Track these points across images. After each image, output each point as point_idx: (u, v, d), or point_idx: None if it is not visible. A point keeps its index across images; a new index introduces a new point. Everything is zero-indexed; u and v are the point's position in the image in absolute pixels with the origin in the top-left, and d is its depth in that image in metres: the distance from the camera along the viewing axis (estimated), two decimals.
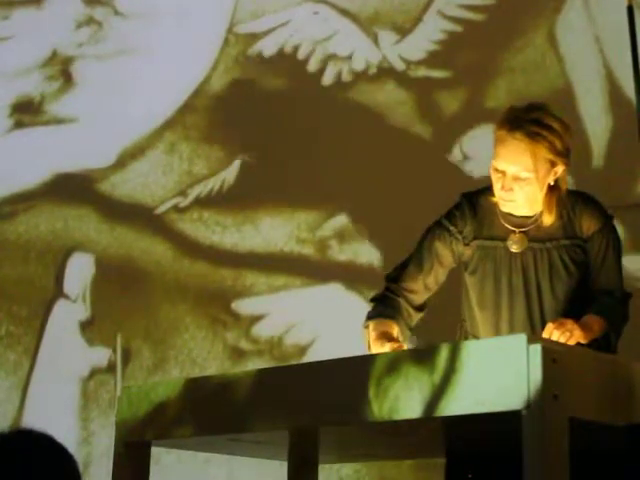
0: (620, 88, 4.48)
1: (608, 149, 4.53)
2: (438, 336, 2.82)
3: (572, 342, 2.51)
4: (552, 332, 2.52)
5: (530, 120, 2.67)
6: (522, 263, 2.73)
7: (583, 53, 4.62)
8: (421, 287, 2.83)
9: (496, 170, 2.70)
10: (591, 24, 4.64)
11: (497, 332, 2.76)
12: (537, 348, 1.87)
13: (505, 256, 2.75)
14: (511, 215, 2.76)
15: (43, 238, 5.02)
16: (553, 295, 2.72)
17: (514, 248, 2.74)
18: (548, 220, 2.73)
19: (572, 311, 2.69)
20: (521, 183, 2.67)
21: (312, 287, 4.77)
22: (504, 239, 2.76)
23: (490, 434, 2.27)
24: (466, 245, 2.80)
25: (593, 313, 2.65)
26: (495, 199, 2.76)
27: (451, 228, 2.82)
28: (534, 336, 1.98)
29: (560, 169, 2.70)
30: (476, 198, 2.82)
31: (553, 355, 1.87)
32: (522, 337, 1.91)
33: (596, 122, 4.57)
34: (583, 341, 2.56)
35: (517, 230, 2.75)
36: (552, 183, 2.71)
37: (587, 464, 2.19)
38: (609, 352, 2.67)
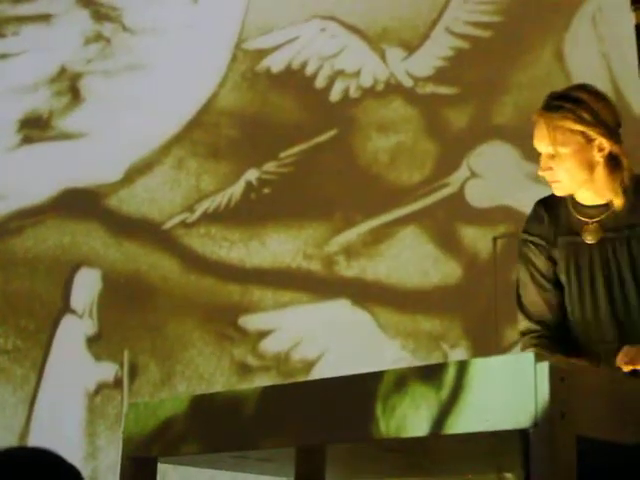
0: (628, 105, 4.48)
1: None
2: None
3: None
4: (628, 352, 2.42)
5: (556, 96, 2.60)
6: (600, 256, 2.60)
7: (590, 69, 4.62)
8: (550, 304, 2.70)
9: (538, 155, 2.61)
10: (598, 41, 4.64)
11: (586, 333, 2.63)
12: (544, 366, 1.86)
13: (585, 250, 2.63)
14: (583, 206, 2.64)
15: (51, 253, 5.03)
16: (637, 287, 2.57)
17: (589, 239, 2.61)
18: (619, 203, 2.58)
19: None
20: (557, 160, 2.56)
21: (319, 303, 4.77)
22: (580, 233, 2.64)
23: (498, 452, 2.27)
24: (554, 247, 2.68)
25: None
26: (567, 195, 2.65)
27: (533, 239, 2.71)
28: (541, 355, 1.97)
29: (604, 143, 2.57)
30: (550, 199, 2.71)
31: (561, 374, 1.87)
32: (530, 356, 1.90)
33: None
34: None
35: (591, 221, 2.63)
36: (601, 160, 2.58)
37: None
38: None
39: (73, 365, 4.93)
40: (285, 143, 4.95)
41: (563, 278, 2.67)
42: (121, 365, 4.81)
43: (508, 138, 4.65)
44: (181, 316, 4.86)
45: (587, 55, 4.64)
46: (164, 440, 2.55)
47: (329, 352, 4.66)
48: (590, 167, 2.58)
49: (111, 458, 4.64)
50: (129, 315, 4.90)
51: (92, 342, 4.92)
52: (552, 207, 2.71)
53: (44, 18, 5.27)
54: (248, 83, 5.08)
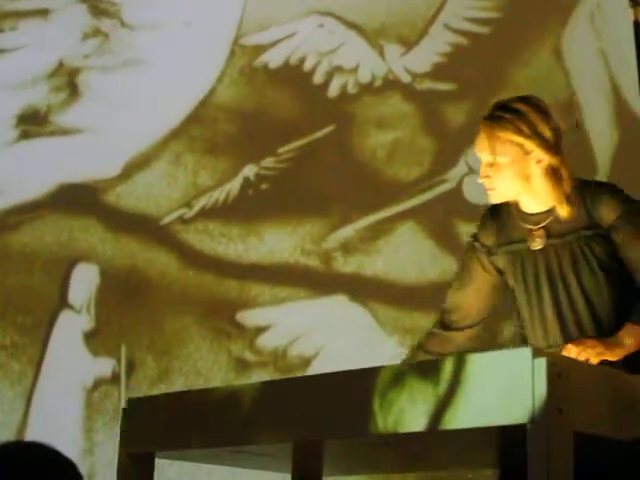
0: (626, 102, 4.49)
1: (613, 163, 4.53)
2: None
3: (595, 360, 2.43)
4: (570, 350, 2.45)
5: (500, 106, 2.70)
6: (545, 262, 2.67)
7: (589, 67, 4.62)
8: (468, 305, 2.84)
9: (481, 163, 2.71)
10: (597, 38, 4.64)
11: (534, 335, 2.70)
12: (542, 362, 1.87)
13: (529, 256, 2.70)
14: (527, 214, 2.71)
15: (48, 248, 5.02)
16: (582, 290, 2.63)
17: (534, 245, 2.68)
18: (563, 213, 2.65)
19: (612, 307, 2.61)
20: (495, 169, 2.65)
21: (317, 299, 4.77)
22: (526, 240, 2.72)
23: (495, 447, 2.27)
24: (494, 254, 2.78)
25: (629, 322, 2.52)
26: (513, 202, 2.72)
27: (475, 244, 2.82)
28: (539, 350, 1.98)
29: (542, 155, 2.64)
30: (499, 207, 2.78)
31: (558, 369, 1.87)
32: (527, 351, 1.91)
33: (601, 136, 4.57)
34: (610, 358, 2.46)
35: (535, 227, 2.70)
36: (539, 171, 2.65)
37: (592, 478, 2.18)
38: None
39: (71, 361, 4.92)
40: (283, 139, 4.94)
41: (513, 285, 2.75)
42: (118, 361, 4.81)
43: None
44: (179, 312, 4.86)
45: (585, 52, 4.64)
46: (162, 435, 2.55)
47: (326, 348, 4.66)
48: (527, 177, 2.66)
49: (109, 454, 4.63)
50: (126, 311, 4.90)
51: (90, 338, 4.92)
52: (499, 215, 2.79)
53: (42, 13, 5.26)
54: (246, 79, 5.07)
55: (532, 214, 2.71)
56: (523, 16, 4.77)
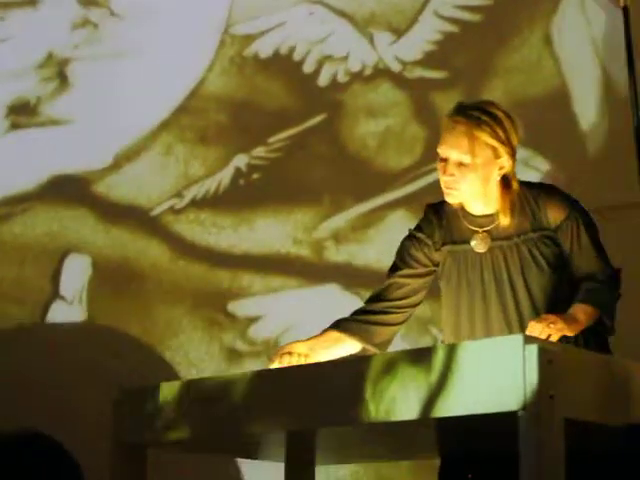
0: (615, 88, 4.48)
1: (603, 149, 4.53)
2: None
3: (556, 336, 2.49)
4: (533, 328, 2.50)
5: (473, 107, 2.70)
6: (492, 262, 2.71)
7: (579, 53, 4.62)
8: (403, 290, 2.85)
9: (440, 159, 2.71)
10: (587, 24, 4.64)
11: (472, 337, 2.71)
12: (533, 349, 1.87)
13: (474, 258, 2.73)
14: (473, 216, 2.75)
15: (39, 240, 5.01)
16: (528, 291, 2.68)
17: (478, 248, 2.72)
18: (504, 220, 2.70)
19: (556, 305, 2.65)
20: (463, 170, 2.66)
21: (309, 288, 4.76)
22: (469, 241, 2.75)
23: (487, 434, 2.27)
24: (437, 250, 2.80)
25: (578, 302, 2.61)
26: (457, 204, 2.75)
27: (419, 235, 2.83)
28: (530, 336, 1.98)
29: (506, 162, 2.68)
30: (440, 206, 2.82)
31: (549, 356, 1.87)
32: (518, 338, 1.91)
33: (591, 122, 4.57)
34: (569, 333, 2.53)
35: (480, 230, 2.73)
36: (498, 177, 2.69)
37: (584, 465, 2.19)
38: (607, 334, 2.67)
39: None
40: (274, 128, 4.94)
41: (451, 285, 2.76)
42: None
43: None
44: (170, 302, 4.85)
45: (575, 39, 4.63)
46: (154, 426, 2.55)
47: None
48: (487, 181, 2.69)
49: (103, 445, 4.62)
50: (118, 301, 4.89)
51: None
52: (442, 214, 2.81)
53: (31, 3, 5.24)
54: (236, 68, 5.06)
55: (478, 216, 2.74)
56: (513, 3, 4.76)
